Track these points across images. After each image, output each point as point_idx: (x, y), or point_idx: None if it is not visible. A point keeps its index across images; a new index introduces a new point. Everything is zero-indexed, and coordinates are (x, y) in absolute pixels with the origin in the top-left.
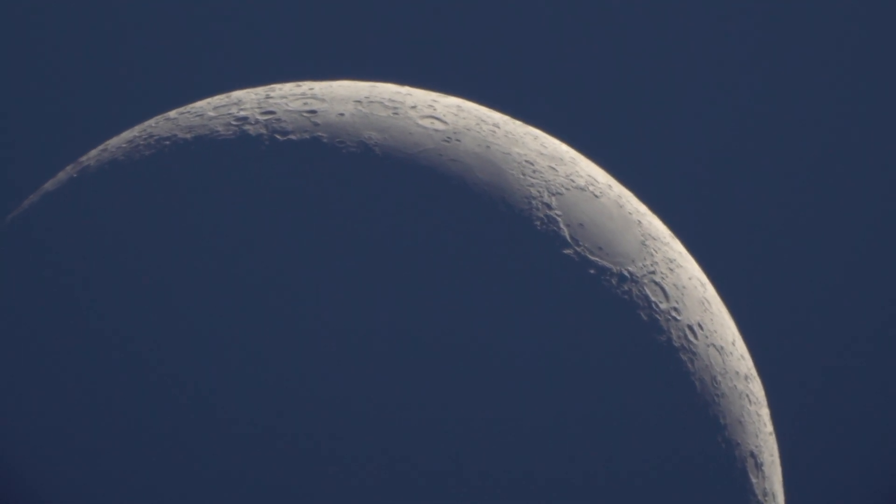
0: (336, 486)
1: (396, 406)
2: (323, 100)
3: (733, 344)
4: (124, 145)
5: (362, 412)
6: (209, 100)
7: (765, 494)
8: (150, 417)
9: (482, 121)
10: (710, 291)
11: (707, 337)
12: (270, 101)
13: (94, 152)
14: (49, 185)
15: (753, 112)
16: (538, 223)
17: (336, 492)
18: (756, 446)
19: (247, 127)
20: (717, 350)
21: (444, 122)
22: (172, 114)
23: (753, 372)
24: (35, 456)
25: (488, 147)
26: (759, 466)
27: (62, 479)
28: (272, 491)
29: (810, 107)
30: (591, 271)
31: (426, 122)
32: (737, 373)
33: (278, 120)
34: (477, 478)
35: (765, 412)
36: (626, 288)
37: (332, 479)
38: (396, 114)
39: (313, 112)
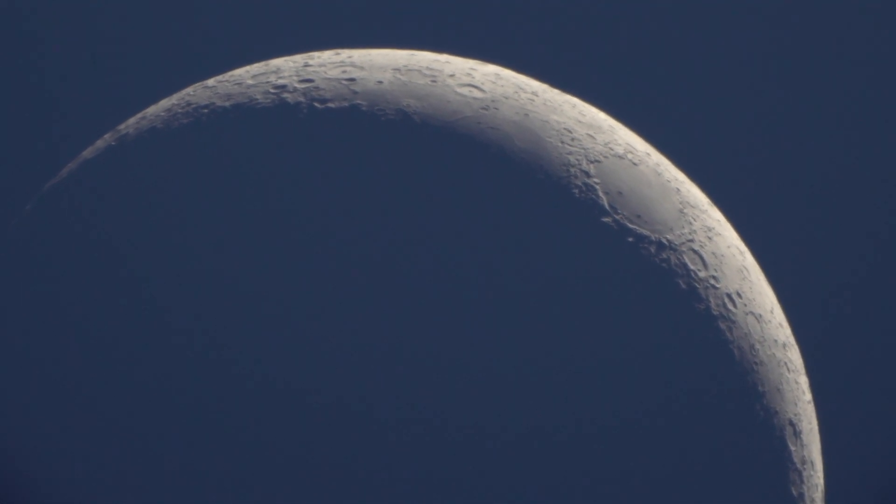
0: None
1: (436, 373)
2: (361, 68)
3: (772, 312)
4: (163, 113)
5: (404, 375)
6: (247, 68)
7: (803, 462)
8: (195, 387)
9: (520, 89)
10: (749, 259)
11: (746, 305)
12: (309, 69)
13: (132, 120)
14: (88, 153)
15: (795, 79)
16: (576, 191)
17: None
18: (795, 414)
19: (285, 95)
20: (756, 318)
21: (483, 90)
22: (211, 82)
23: (792, 340)
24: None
25: (526, 115)
26: (797, 434)
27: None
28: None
29: (854, 69)
30: (630, 239)
31: (464, 90)
32: (775, 341)
33: (317, 88)
34: (513, 443)
35: (803, 380)
36: (664, 256)
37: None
38: (435, 82)
39: (352, 80)
